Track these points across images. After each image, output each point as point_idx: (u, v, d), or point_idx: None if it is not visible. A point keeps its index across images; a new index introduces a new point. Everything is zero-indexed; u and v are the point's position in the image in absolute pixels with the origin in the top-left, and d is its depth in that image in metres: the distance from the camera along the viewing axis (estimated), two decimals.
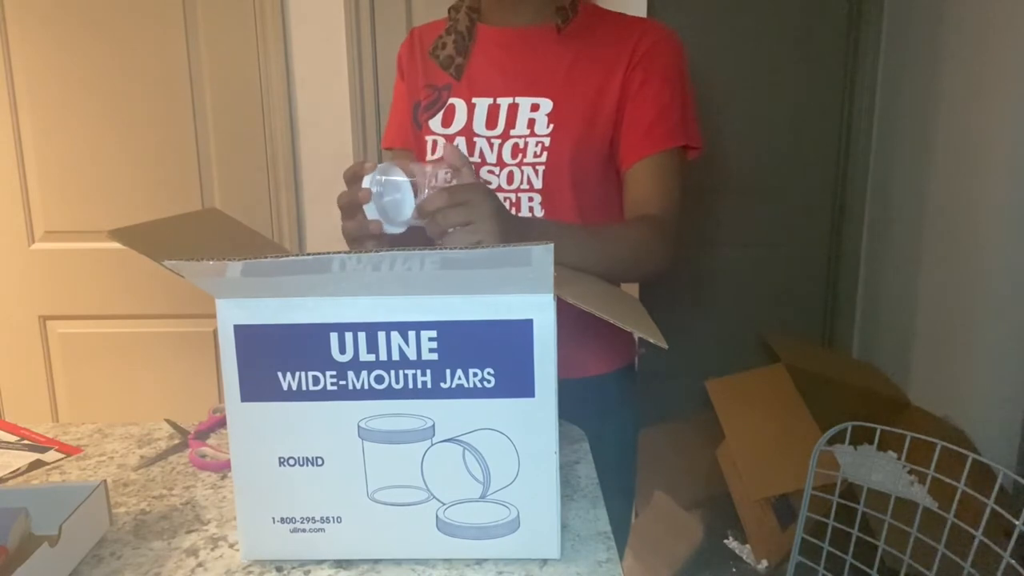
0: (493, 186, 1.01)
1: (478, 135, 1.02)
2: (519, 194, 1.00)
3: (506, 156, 1.01)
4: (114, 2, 1.81)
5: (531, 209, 1.01)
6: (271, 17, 1.82)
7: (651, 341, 0.64)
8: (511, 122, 1.01)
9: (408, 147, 1.12)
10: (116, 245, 0.70)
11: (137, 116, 1.87)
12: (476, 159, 1.02)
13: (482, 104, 1.02)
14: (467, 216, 0.76)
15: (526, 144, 1.00)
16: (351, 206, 0.81)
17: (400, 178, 0.80)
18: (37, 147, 1.87)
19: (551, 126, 0.99)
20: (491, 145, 1.02)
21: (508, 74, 1.02)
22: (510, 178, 1.01)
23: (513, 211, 1.01)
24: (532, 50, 1.03)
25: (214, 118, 1.88)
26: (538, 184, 1.00)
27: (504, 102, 1.01)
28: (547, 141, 0.99)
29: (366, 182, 0.80)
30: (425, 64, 1.08)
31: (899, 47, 2.63)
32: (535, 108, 1.00)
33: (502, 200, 1.01)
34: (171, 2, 1.81)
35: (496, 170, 1.01)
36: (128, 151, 1.88)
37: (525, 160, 1.00)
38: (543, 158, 0.99)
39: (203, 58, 1.85)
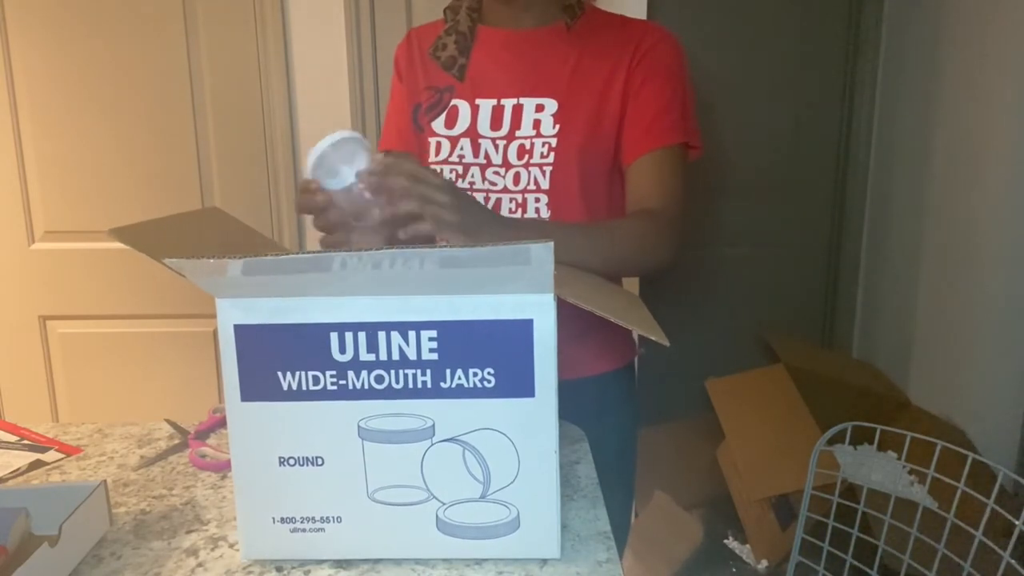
0: (499, 187, 1.01)
1: (483, 136, 1.02)
2: (525, 195, 1.00)
3: (512, 157, 1.01)
4: (114, 2, 1.81)
5: (537, 210, 1.00)
6: (271, 17, 1.82)
7: (652, 338, 0.64)
8: (516, 123, 1.00)
9: (409, 150, 1.11)
10: (116, 245, 0.70)
11: (137, 116, 1.87)
12: (481, 160, 1.02)
13: (486, 105, 1.02)
14: (424, 195, 0.76)
15: (532, 145, 1.00)
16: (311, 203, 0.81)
17: (354, 137, 0.80)
18: (37, 147, 1.87)
19: (557, 126, 0.99)
20: (496, 146, 1.01)
21: (511, 75, 1.02)
22: (516, 179, 1.00)
23: (519, 212, 1.01)
24: (535, 51, 1.02)
25: (214, 118, 1.88)
26: (545, 185, 0.99)
27: (508, 103, 1.01)
28: (553, 142, 0.99)
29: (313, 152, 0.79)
30: (425, 65, 1.08)
31: (899, 47, 2.63)
32: (540, 109, 1.00)
33: (508, 201, 1.01)
34: (171, 2, 1.81)
35: (502, 171, 1.01)
36: (128, 151, 1.88)
37: (532, 161, 1.00)
38: (550, 159, 0.99)
39: (203, 58, 1.85)
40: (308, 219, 2.06)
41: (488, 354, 0.61)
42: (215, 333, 1.93)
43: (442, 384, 0.62)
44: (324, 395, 0.62)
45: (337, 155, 0.80)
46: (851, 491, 1.85)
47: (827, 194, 2.89)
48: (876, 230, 2.79)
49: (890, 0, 2.67)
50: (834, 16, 2.75)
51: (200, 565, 0.67)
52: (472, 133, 1.02)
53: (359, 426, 0.63)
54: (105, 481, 0.72)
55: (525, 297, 0.60)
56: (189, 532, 0.72)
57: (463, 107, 1.03)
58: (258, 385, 0.63)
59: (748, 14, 2.74)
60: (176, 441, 0.94)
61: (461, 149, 1.03)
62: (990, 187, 2.10)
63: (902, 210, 2.59)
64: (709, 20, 2.74)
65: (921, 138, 2.45)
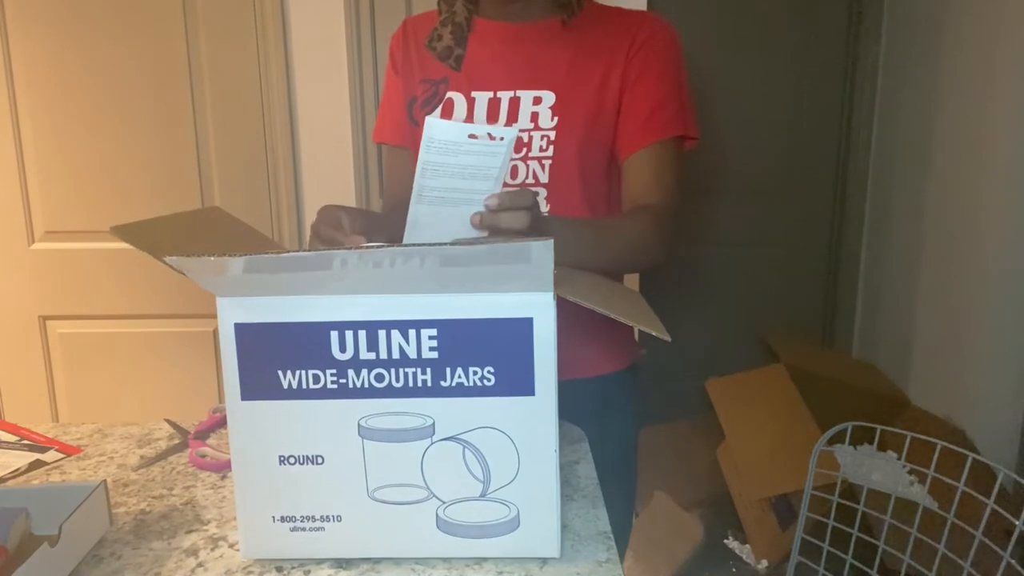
0: None
1: None
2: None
3: None
4: (114, 3, 1.81)
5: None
6: (271, 17, 1.81)
7: (653, 334, 0.63)
8: (513, 116, 1.00)
9: (404, 143, 1.11)
10: (116, 245, 0.70)
11: (137, 116, 1.86)
12: None
13: (482, 98, 1.01)
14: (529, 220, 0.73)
15: (531, 138, 0.99)
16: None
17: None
18: (37, 147, 1.87)
19: (556, 119, 0.99)
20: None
21: (508, 67, 1.02)
22: (514, 173, 1.00)
23: None
24: (533, 43, 1.02)
25: (214, 118, 1.88)
26: (544, 178, 0.99)
27: (505, 96, 1.01)
28: (552, 135, 0.98)
29: None
30: (420, 57, 1.07)
31: (899, 47, 2.63)
32: (538, 101, 0.99)
33: None
34: (171, 2, 1.81)
35: None
36: (128, 151, 1.88)
37: (530, 154, 0.99)
38: (549, 152, 0.99)
39: (203, 58, 1.85)
40: (308, 220, 2.05)
41: (488, 353, 0.61)
42: (215, 333, 1.93)
43: (442, 383, 0.62)
44: (324, 394, 0.62)
45: None
46: (851, 491, 1.85)
47: (827, 194, 2.89)
48: (876, 230, 2.79)
49: (890, 0, 2.67)
50: (834, 16, 2.75)
51: (200, 565, 0.67)
52: None
53: (359, 425, 0.63)
54: (105, 481, 0.72)
55: (525, 296, 0.60)
56: (189, 532, 0.72)
57: (459, 100, 1.02)
58: (258, 384, 0.63)
59: (748, 13, 2.75)
60: (176, 441, 0.94)
61: None
62: (990, 186, 2.10)
63: (902, 210, 2.59)
64: (709, 19, 2.74)
65: (921, 138, 2.45)
